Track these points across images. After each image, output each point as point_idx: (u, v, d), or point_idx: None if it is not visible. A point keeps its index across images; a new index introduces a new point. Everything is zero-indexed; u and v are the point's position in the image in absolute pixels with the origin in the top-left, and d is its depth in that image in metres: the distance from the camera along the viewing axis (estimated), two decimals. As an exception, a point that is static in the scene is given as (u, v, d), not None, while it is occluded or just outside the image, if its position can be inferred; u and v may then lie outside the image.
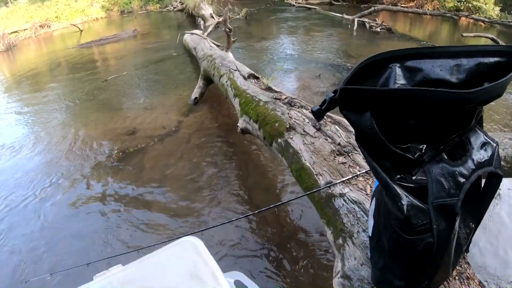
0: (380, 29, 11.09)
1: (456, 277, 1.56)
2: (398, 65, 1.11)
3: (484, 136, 1.22)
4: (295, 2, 16.52)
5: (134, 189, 4.25)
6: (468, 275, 1.59)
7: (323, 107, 1.12)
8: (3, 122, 6.79)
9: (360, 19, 11.95)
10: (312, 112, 1.15)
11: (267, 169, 4.35)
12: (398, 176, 1.16)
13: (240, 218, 3.43)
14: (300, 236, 3.35)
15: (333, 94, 1.11)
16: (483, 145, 1.20)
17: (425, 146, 1.13)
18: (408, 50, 1.10)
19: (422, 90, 1.02)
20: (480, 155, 1.17)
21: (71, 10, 16.72)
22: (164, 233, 3.54)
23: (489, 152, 1.19)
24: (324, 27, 12.03)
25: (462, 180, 1.11)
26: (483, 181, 1.32)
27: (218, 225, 3.10)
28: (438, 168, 1.12)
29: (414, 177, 1.15)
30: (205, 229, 3.11)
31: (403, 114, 1.08)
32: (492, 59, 1.08)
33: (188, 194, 4.06)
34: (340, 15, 13.17)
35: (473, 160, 1.15)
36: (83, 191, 4.38)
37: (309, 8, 15.42)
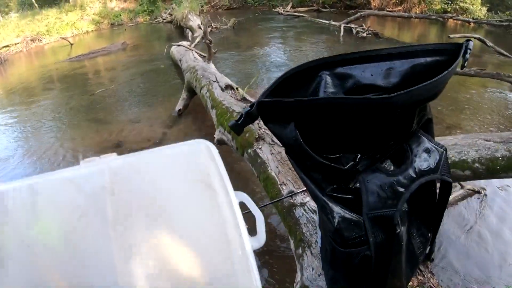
0: (367, 34, 11.17)
1: (417, 287, 1.57)
2: (328, 72, 1.11)
3: (429, 142, 1.16)
4: (283, 11, 16.61)
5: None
6: (432, 284, 1.60)
7: (239, 122, 1.10)
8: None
9: (347, 25, 12.03)
10: (230, 126, 1.13)
11: (250, 179, 4.36)
12: (332, 187, 1.11)
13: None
14: (273, 245, 3.39)
15: (249, 108, 1.09)
16: (427, 151, 1.14)
17: (359, 155, 1.08)
18: (337, 57, 1.10)
19: (336, 99, 1.02)
20: (422, 162, 1.12)
21: (62, 23, 16.73)
22: None
23: (434, 159, 1.14)
24: (312, 34, 12.11)
25: (401, 189, 1.06)
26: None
27: None
28: (374, 177, 1.06)
29: (351, 187, 1.11)
30: None
31: (329, 123, 1.04)
32: (429, 59, 1.07)
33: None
34: (327, 21, 13.26)
35: (414, 168, 1.09)
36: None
37: (297, 16, 15.50)
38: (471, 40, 1.05)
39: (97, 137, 6.08)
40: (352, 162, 1.07)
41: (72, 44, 14.67)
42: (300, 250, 1.91)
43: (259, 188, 4.16)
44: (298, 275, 1.82)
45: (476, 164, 2.52)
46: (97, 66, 11.27)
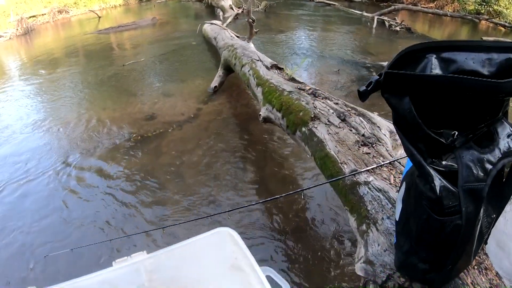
0: (400, 28, 11.02)
1: (475, 267, 1.59)
2: (435, 55, 1.15)
3: (510, 128, 1.27)
4: (314, -3, 16.49)
5: (151, 173, 4.31)
6: (486, 265, 1.62)
7: (369, 88, 1.19)
8: (23, 103, 6.87)
9: (380, 17, 11.89)
10: (359, 92, 1.22)
11: (285, 161, 4.37)
12: (430, 160, 1.21)
13: (259, 202, 3.45)
14: (314, 225, 3.38)
15: (378, 77, 1.18)
16: (509, 135, 1.24)
17: (456, 132, 1.17)
18: (444, 42, 1.15)
19: (459, 78, 1.07)
20: (506, 144, 1.22)
21: (90, -4, 16.78)
22: (180, 215, 3.60)
23: None
24: (343, 23, 11.99)
25: (489, 166, 1.16)
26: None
27: (236, 209, 3.15)
28: (468, 154, 1.17)
29: (444, 162, 1.20)
30: (226, 211, 3.14)
31: (439, 100, 1.14)
32: None
33: (204, 180, 4.10)
34: (360, 12, 13.11)
35: (499, 149, 1.20)
36: (101, 171, 4.45)
37: (328, 4, 15.35)
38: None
39: (129, 108, 6.08)
40: (451, 138, 1.17)
41: (100, 17, 14.69)
42: (364, 227, 1.92)
43: (292, 174, 4.19)
44: (362, 250, 1.84)
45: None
46: (126, 40, 11.27)
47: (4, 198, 4.15)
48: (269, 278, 1.11)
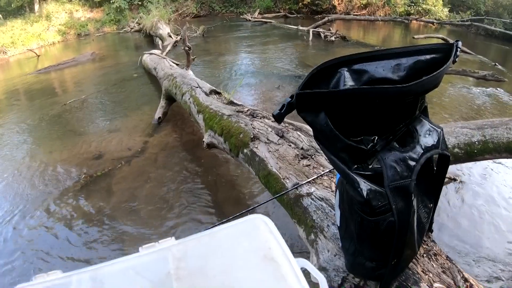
0: (335, 37, 11.39)
1: (424, 255, 1.69)
2: (346, 69, 1.26)
3: (429, 124, 1.37)
4: (251, 17, 16.74)
5: (104, 211, 4.26)
6: (435, 251, 1.73)
7: (282, 111, 1.27)
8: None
9: (315, 29, 12.24)
10: (273, 116, 1.31)
11: (235, 181, 4.46)
12: (355, 166, 1.30)
13: (211, 227, 3.47)
14: None
15: (290, 99, 1.26)
16: (429, 131, 1.35)
17: (376, 137, 1.27)
18: (353, 56, 1.26)
19: (365, 88, 1.19)
20: (426, 140, 1.32)
21: (27, 35, 16.33)
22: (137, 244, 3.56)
23: (435, 137, 1.35)
24: (281, 39, 12.26)
25: (412, 163, 1.26)
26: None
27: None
28: (390, 155, 1.26)
29: (370, 166, 1.30)
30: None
31: (353, 110, 1.23)
32: (428, 56, 1.26)
33: (160, 213, 4.10)
34: (295, 27, 13.45)
35: (421, 145, 1.30)
36: (52, 216, 4.36)
37: (265, 22, 15.66)
38: (459, 40, 1.26)
39: (75, 149, 5.98)
40: (372, 143, 1.27)
41: (39, 56, 14.37)
42: (312, 236, 2.00)
43: (244, 194, 4.26)
44: (314, 259, 1.91)
45: (456, 149, 2.95)
46: (67, 78, 11.07)
47: None
48: (304, 271, 1.01)
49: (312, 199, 2.17)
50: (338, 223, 1.67)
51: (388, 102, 1.19)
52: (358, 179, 1.26)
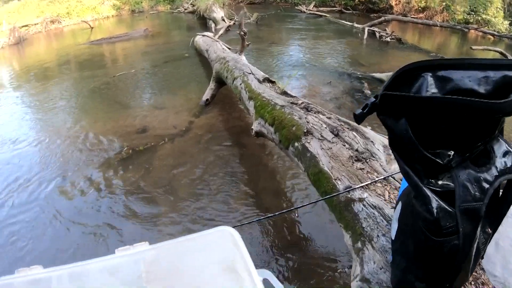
0: (390, 39, 11.10)
1: (472, 282, 1.60)
2: (430, 74, 1.15)
3: (506, 145, 1.27)
4: (306, 9, 16.56)
5: (142, 187, 4.27)
6: (483, 280, 1.63)
7: (365, 111, 1.19)
8: (13, 114, 6.82)
9: (370, 28, 11.98)
10: (354, 115, 1.22)
11: (278, 173, 4.35)
12: (426, 180, 1.21)
13: (253, 221, 3.40)
14: (308, 243, 3.34)
15: (374, 99, 1.18)
16: (506, 153, 1.24)
17: (453, 152, 1.18)
18: (439, 61, 1.15)
19: (455, 99, 1.08)
20: (502, 162, 1.22)
21: (82, 7, 16.70)
22: (171, 230, 3.57)
23: (511, 160, 1.24)
24: (334, 34, 12.06)
25: (486, 185, 1.16)
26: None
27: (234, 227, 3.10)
28: (464, 173, 1.17)
29: (440, 182, 1.20)
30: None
31: (435, 120, 1.14)
32: None
33: (196, 195, 4.06)
34: (350, 23, 13.21)
35: (496, 167, 1.20)
36: (91, 185, 4.41)
37: (320, 16, 15.45)
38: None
39: (120, 121, 6.04)
40: (448, 158, 1.18)
41: (92, 28, 14.65)
42: (359, 244, 1.91)
43: (285, 187, 4.12)
44: (358, 268, 1.82)
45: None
46: (118, 51, 11.24)
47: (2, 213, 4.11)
48: (266, 281, 1.11)
49: (364, 205, 2.08)
50: (393, 236, 1.57)
51: (474, 116, 1.10)
52: (430, 195, 1.18)
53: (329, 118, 3.14)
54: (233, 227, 2.83)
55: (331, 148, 2.71)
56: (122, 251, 1.13)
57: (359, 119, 1.21)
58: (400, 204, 1.50)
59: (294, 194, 4.00)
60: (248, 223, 3.35)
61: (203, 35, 8.77)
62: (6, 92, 8.25)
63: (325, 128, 2.95)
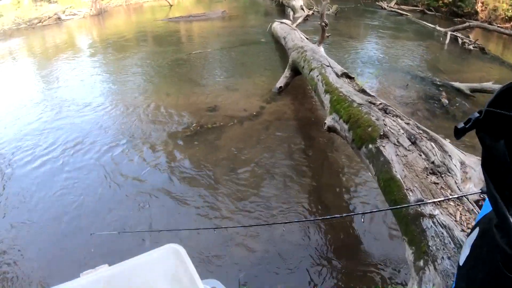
0: (473, 47, 10.60)
1: None
2: None
3: None
4: (387, 6, 16.13)
5: (204, 165, 4.36)
6: None
7: (467, 126, 1.07)
8: (90, 81, 7.13)
9: (453, 33, 11.50)
10: (456, 129, 1.14)
11: (343, 173, 4.25)
12: None
13: (318, 219, 3.37)
14: (364, 248, 3.24)
15: (478, 115, 1.06)
16: None
17: None
18: None
19: None
20: None
21: (164, -16, 17.08)
22: (230, 214, 3.60)
23: None
24: (414, 35, 11.65)
25: None
26: None
27: (286, 222, 3.09)
28: None
29: None
30: (272, 224, 3.11)
31: None
32: None
33: (257, 182, 4.06)
34: (432, 26, 12.72)
35: None
36: (155, 156, 4.58)
37: (401, 14, 15.00)
38: None
39: (192, 97, 6.17)
40: None
41: (171, 6, 14.99)
42: (421, 263, 1.84)
43: (347, 187, 3.99)
44: (414, 287, 1.78)
45: None
46: (195, 30, 11.44)
47: (57, 169, 4.45)
48: None
49: (434, 222, 1.99)
50: (461, 262, 1.47)
51: None
52: None
53: (408, 124, 3.02)
54: (285, 223, 2.79)
55: (406, 155, 2.61)
56: (86, 274, 1.26)
57: (460, 134, 1.14)
58: (477, 229, 1.40)
59: (356, 197, 3.86)
60: (305, 221, 3.34)
61: (281, 22, 8.75)
62: (83, 58, 8.65)
63: (403, 133, 2.84)
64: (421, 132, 2.88)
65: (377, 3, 16.99)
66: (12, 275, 3.26)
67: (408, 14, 14.98)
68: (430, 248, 1.86)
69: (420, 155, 2.60)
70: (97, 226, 3.55)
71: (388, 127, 2.95)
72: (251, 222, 3.48)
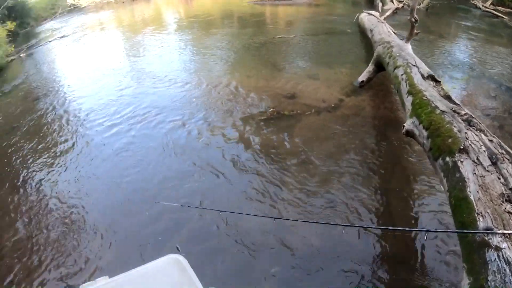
0: None
1: None
2: None
3: None
4: (482, 5, 15.30)
5: (276, 150, 4.48)
6: None
7: None
8: (174, 55, 7.42)
9: (555, 43, 10.78)
10: None
11: (414, 181, 4.08)
12: None
13: (381, 228, 3.31)
14: (419, 265, 3.07)
15: None
16: None
17: None
18: None
19: None
20: None
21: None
22: (292, 206, 3.68)
23: None
24: (509, 41, 10.99)
25: None
26: None
27: (351, 226, 3.10)
28: None
29: None
30: (331, 224, 3.15)
31: None
32: None
33: (325, 176, 4.09)
34: (533, 33, 11.97)
35: None
36: (226, 135, 4.84)
37: (496, 16, 14.17)
38: None
39: (272, 82, 6.27)
40: None
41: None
42: None
43: (417, 198, 3.82)
44: None
45: None
46: (280, 14, 11.47)
47: (125, 133, 4.96)
48: None
49: (499, 256, 1.86)
50: None
51: None
52: None
53: (491, 141, 2.81)
54: (345, 225, 2.79)
55: (484, 176, 2.44)
56: (86, 286, 1.32)
57: None
58: None
59: (423, 211, 3.65)
60: (366, 227, 3.32)
61: (369, 14, 8.60)
62: (168, 33, 9.04)
63: (484, 151, 2.66)
64: (503, 152, 2.66)
65: (471, 1, 16.18)
66: (79, 223, 3.75)
67: (504, 16, 14.14)
68: (489, 283, 1.78)
69: (499, 178, 2.40)
70: (157, 193, 3.95)
71: (470, 142, 2.79)
72: (312, 217, 3.52)
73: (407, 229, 2.35)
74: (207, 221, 3.56)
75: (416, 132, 3.52)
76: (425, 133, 3.31)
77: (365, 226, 3.26)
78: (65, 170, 4.50)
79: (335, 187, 3.92)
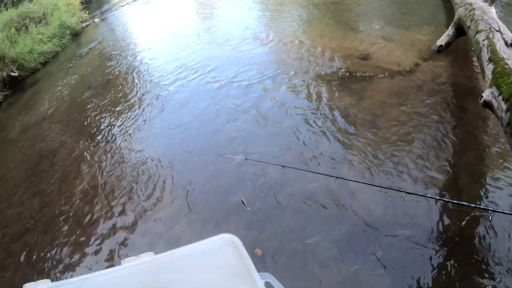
0: None
1: None
2: None
3: None
4: None
5: (348, 113, 4.49)
6: None
7: None
8: (245, 15, 7.42)
9: None
10: None
11: (488, 157, 3.85)
12: None
13: (444, 200, 3.23)
14: (477, 246, 2.97)
15: None
16: None
17: None
18: None
19: None
20: None
21: None
22: (357, 170, 3.75)
23: None
24: None
25: None
26: None
27: (414, 194, 3.06)
28: None
29: None
30: (404, 191, 3.06)
31: None
32: None
33: (395, 143, 4.04)
34: None
35: None
36: (296, 94, 4.93)
37: None
38: None
39: (345, 42, 6.16)
40: None
41: None
42: None
43: (490, 176, 3.62)
44: None
45: None
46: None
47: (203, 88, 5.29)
48: (268, 284, 1.21)
49: None
50: None
51: None
52: None
53: None
54: (408, 193, 2.77)
55: None
56: (129, 261, 1.24)
57: None
58: None
59: (494, 191, 3.43)
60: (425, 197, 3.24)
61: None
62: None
63: None
64: None
65: None
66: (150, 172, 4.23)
67: None
68: None
69: None
70: (224, 145, 4.34)
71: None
72: (376, 182, 3.54)
73: (472, 205, 2.26)
74: (270, 175, 3.79)
75: (495, 104, 3.32)
76: (504, 106, 3.13)
77: (429, 196, 3.19)
78: (143, 123, 4.92)
79: (405, 156, 3.86)
